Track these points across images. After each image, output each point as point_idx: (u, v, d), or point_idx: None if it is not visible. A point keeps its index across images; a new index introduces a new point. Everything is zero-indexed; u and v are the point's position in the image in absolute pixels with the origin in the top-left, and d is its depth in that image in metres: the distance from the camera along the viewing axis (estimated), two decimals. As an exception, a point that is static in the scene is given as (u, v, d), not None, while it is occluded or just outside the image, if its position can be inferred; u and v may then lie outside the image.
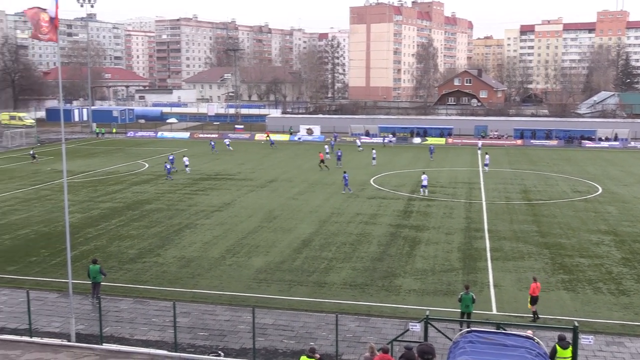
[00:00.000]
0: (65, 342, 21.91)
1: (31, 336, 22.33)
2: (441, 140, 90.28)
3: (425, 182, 49.63)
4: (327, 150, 71.16)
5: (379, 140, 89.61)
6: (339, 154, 66.44)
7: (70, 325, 22.27)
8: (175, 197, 48.46)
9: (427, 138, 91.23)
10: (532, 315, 23.90)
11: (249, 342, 21.54)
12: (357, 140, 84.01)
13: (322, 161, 63.46)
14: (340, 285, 27.89)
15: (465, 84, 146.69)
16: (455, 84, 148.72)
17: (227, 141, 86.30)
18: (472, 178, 57.79)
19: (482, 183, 54.95)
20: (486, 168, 61.72)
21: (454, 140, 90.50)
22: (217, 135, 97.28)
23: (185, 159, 63.54)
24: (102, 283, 26.36)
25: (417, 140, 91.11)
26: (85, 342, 21.96)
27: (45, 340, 22.13)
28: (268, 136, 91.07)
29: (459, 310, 23.13)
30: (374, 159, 66.94)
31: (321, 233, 37.04)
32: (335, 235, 36.46)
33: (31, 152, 70.85)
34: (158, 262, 31.40)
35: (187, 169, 61.28)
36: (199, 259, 31.91)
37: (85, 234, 36.97)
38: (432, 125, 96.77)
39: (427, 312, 20.09)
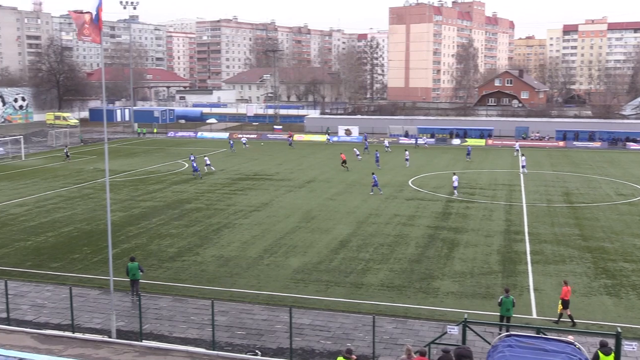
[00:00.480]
0: (106, 338, 22.31)
1: (73, 332, 22.80)
2: (481, 142, 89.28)
3: (455, 184, 49.49)
4: (357, 152, 71.16)
5: (412, 141, 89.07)
6: (377, 155, 66.26)
7: (111, 322, 22.66)
8: (214, 196, 48.93)
9: (466, 139, 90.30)
10: (569, 320, 23.50)
11: (286, 341, 21.63)
12: (385, 141, 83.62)
13: (344, 162, 63.79)
14: (378, 286, 27.79)
15: (506, 85, 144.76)
16: (496, 84, 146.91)
17: (244, 139, 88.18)
18: (512, 180, 57.00)
19: (522, 185, 54.15)
20: (524, 170, 60.82)
21: (494, 142, 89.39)
22: (242, 136, 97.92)
23: (206, 158, 64.31)
24: (141, 280, 26.80)
25: (456, 141, 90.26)
26: (125, 339, 22.32)
27: (87, 336, 22.57)
28: (291, 136, 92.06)
29: (498, 313, 22.81)
30: (406, 160, 66.48)
31: (359, 234, 36.98)
32: (373, 237, 36.35)
33: (65, 151, 72.79)
34: (197, 260, 31.74)
35: (211, 168, 62.09)
36: (237, 258, 32.15)
37: (126, 232, 37.59)
38: (472, 127, 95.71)
39: (466, 315, 19.88)
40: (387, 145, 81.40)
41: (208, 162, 63.08)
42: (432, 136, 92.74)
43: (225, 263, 31.31)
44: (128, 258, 28.39)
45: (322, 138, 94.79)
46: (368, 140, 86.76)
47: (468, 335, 19.10)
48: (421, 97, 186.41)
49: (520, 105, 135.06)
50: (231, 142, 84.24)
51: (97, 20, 21.31)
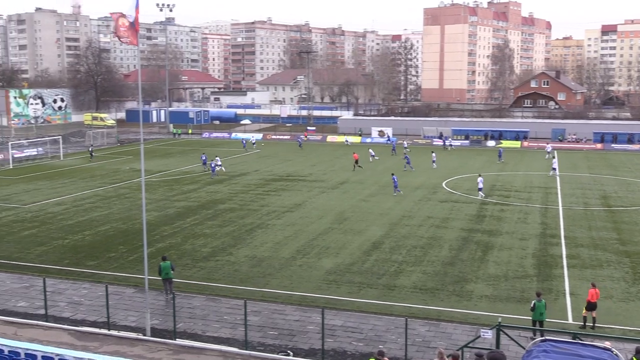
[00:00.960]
0: (141, 336, 22.59)
1: (109, 329, 23.16)
2: (516, 144, 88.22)
3: (480, 185, 49.38)
4: (373, 153, 71.19)
5: (440, 143, 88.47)
6: (407, 157, 65.84)
7: (145, 320, 22.95)
8: (247, 197, 49.24)
9: (501, 141, 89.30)
10: (590, 323, 23.11)
11: (318, 342, 21.64)
12: (405, 142, 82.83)
13: (357, 161, 64.14)
14: (410, 288, 27.65)
15: (543, 86, 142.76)
16: (532, 85, 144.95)
17: (253, 138, 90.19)
18: (548, 183, 56.18)
19: (558, 188, 53.35)
20: (554, 172, 59.97)
21: (530, 144, 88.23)
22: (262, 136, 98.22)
23: (217, 159, 64.68)
24: (175, 280, 27.09)
25: (491, 143, 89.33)
26: (159, 337, 22.58)
27: (122, 333, 22.89)
28: (306, 137, 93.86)
29: (532, 318, 22.48)
30: (433, 162, 65.87)
31: (392, 236, 36.84)
32: (406, 239, 36.18)
33: (90, 150, 74.13)
34: (230, 260, 31.97)
35: (222, 168, 62.75)
36: (270, 258, 32.29)
37: (161, 231, 38.04)
38: (507, 128, 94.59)
39: (500, 319, 19.67)
40: (406, 145, 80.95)
41: (219, 162, 63.61)
42: (467, 138, 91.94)
43: (258, 263, 31.47)
44: (160, 257, 28.75)
45: (357, 139, 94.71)
46: (396, 142, 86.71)
47: (502, 340, 18.88)
48: (455, 98, 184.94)
49: (556, 106, 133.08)
50: (244, 141, 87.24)
51: (133, 22, 21.62)
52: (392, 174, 52.60)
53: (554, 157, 63.47)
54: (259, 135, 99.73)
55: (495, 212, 43.57)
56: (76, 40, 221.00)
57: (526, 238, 36.32)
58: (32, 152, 75.72)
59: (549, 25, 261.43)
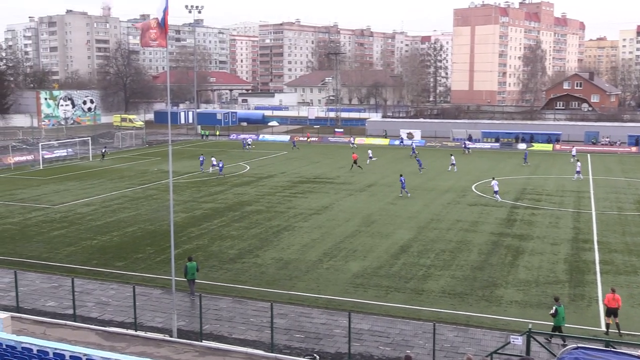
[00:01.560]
0: (167, 337, 22.78)
1: (136, 330, 23.39)
2: (548, 147, 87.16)
3: (496, 188, 49.18)
4: (371, 155, 71.24)
5: (462, 145, 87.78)
6: (419, 160, 65.46)
7: (172, 321, 23.13)
8: (274, 199, 49.39)
9: (532, 144, 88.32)
10: (614, 330, 22.72)
11: (345, 346, 21.61)
12: (413, 144, 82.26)
13: (355, 162, 64.96)
14: (439, 293, 27.47)
15: (576, 88, 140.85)
16: (565, 87, 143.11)
17: (249, 139, 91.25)
18: (580, 186, 55.41)
19: (591, 192, 52.58)
20: (578, 176, 59.26)
21: (562, 147, 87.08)
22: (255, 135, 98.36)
23: (213, 159, 65.89)
24: (202, 281, 27.29)
25: (522, 146, 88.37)
26: (185, 338, 22.76)
27: (149, 334, 23.11)
28: (308, 138, 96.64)
29: (567, 325, 22.16)
30: (452, 164, 65.26)
31: (420, 239, 36.65)
32: (434, 242, 35.96)
33: (103, 151, 74.93)
34: (257, 263, 32.09)
35: (211, 168, 63.97)
36: (296, 261, 32.34)
37: (188, 233, 38.34)
38: (539, 131, 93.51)
39: (530, 325, 19.45)
40: (414, 147, 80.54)
41: (214, 162, 64.73)
42: (497, 140, 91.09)
43: (284, 266, 31.54)
44: (186, 258, 28.99)
45: (385, 141, 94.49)
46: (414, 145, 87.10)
47: (532, 346, 18.65)
48: (486, 100, 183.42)
49: (590, 109, 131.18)
50: (246, 141, 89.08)
51: (163, 24, 21.83)
52: (400, 175, 52.81)
53: (577, 161, 62.54)
54: (280, 137, 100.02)
55: (526, 216, 43.10)
56: (106, 42, 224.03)
57: (558, 243, 35.85)
58: (61, 153, 76.94)
59: (582, 26, 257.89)
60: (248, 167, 67.71)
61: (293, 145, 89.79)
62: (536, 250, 34.41)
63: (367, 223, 40.85)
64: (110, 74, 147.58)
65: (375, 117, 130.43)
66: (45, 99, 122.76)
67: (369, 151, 73.20)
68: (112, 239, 37.13)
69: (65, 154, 77.02)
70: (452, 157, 66.73)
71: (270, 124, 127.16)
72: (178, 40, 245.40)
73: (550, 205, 46.73)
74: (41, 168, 67.26)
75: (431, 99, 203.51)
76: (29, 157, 72.35)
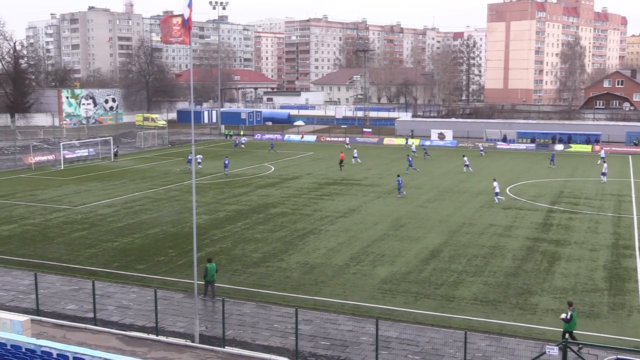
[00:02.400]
0: (189, 343, 22.96)
1: (157, 335, 23.60)
2: (587, 148, 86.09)
3: (497, 190, 49.51)
4: (356, 155, 71.69)
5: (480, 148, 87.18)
6: (410, 159, 66.71)
7: (194, 326, 23.30)
8: (300, 201, 49.50)
9: (570, 145, 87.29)
10: None
11: (372, 354, 21.57)
12: (413, 145, 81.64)
13: (342, 161, 66.70)
14: (470, 300, 27.29)
15: (617, 86, 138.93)
16: (605, 85, 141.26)
17: (243, 139, 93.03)
18: (622, 190, 54.64)
19: (633, 195, 51.82)
20: (603, 178, 58.45)
21: (602, 148, 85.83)
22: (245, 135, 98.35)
23: (199, 157, 68.10)
24: (225, 285, 27.45)
25: (559, 147, 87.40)
26: (208, 344, 22.91)
27: (170, 339, 23.31)
28: (302, 137, 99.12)
29: (600, 334, 21.97)
30: (466, 165, 64.75)
31: (451, 244, 36.45)
32: (466, 247, 35.74)
33: (115, 150, 75.73)
34: (281, 267, 32.18)
35: (199, 166, 66.01)
36: (322, 265, 32.37)
37: (211, 235, 38.60)
38: (577, 131, 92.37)
39: (567, 335, 19.21)
40: (414, 149, 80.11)
41: (199, 160, 67.29)
42: (533, 141, 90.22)
43: (310, 270, 31.59)
44: (206, 259, 29.21)
45: (415, 141, 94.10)
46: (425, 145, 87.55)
47: (568, 357, 18.43)
48: (521, 99, 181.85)
49: (632, 108, 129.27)
50: (237, 141, 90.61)
51: (187, 21, 22.02)
52: (398, 176, 53.46)
53: (605, 162, 61.64)
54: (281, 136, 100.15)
55: (563, 220, 42.63)
56: (128, 39, 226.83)
57: (597, 249, 35.40)
58: (83, 152, 77.97)
59: (624, 21, 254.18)
60: (273, 168, 67.96)
61: (271, 146, 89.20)
62: (574, 256, 34.00)
63: (396, 226, 40.73)
64: (132, 72, 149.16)
65: (405, 116, 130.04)
66: (67, 97, 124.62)
67: (355, 151, 74.10)
68: (133, 241, 37.53)
69: (87, 154, 78.03)
70: (465, 158, 66.32)
71: (296, 123, 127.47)
72: (202, 37, 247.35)
73: (589, 209, 46.15)
74: (62, 168, 68.23)
75: (464, 97, 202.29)
76: (50, 157, 73.43)
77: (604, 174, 59.07)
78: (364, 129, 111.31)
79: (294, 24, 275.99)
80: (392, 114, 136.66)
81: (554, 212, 45.50)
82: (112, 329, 24.30)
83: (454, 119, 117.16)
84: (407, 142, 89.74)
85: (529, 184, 57.53)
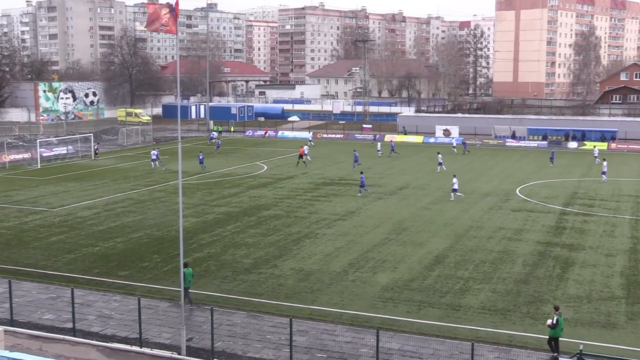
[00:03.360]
0: (176, 355, 22.93)
1: (141, 346, 23.57)
2: (602, 145, 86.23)
3: (455, 186, 50.48)
4: (306, 152, 72.02)
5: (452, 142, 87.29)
6: (356, 154, 67.78)
7: (181, 337, 23.27)
8: (294, 203, 49.48)
9: (584, 142, 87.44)
10: None
11: (372, 368, 21.55)
12: (378, 144, 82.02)
13: (301, 156, 68.58)
14: (478, 309, 27.31)
15: (635, 79, 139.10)
16: (622, 79, 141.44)
17: (214, 133, 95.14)
18: (640, 190, 54.81)
19: (652, 197, 51.93)
20: (604, 177, 58.90)
21: (619, 146, 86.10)
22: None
23: (153, 152, 68.71)
24: (214, 294, 27.42)
25: (572, 144, 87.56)
26: (195, 356, 22.87)
27: (155, 351, 23.27)
28: (266, 133, 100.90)
29: (617, 345, 21.96)
30: (440, 164, 64.96)
31: (457, 249, 36.47)
32: (473, 252, 35.76)
33: (95, 148, 75.57)
34: (275, 273, 32.16)
35: (155, 163, 66.98)
36: (318, 272, 32.36)
37: (199, 239, 38.55)
38: (592, 128, 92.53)
39: (581, 347, 19.28)
40: (379, 148, 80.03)
41: (154, 156, 67.79)
42: (544, 138, 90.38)
43: (305, 277, 31.57)
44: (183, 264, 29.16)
45: (419, 139, 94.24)
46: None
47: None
48: (532, 93, 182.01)
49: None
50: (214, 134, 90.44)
51: (173, 8, 21.97)
52: (361, 172, 54.48)
53: (604, 160, 61.75)
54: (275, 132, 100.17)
55: (577, 223, 42.68)
56: (110, 28, 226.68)
57: (613, 254, 35.46)
58: (61, 150, 77.86)
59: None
60: (265, 167, 67.94)
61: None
62: (588, 261, 34.05)
63: (398, 230, 40.74)
64: (114, 64, 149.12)
65: (407, 111, 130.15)
66: (44, 91, 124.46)
67: (305, 147, 74.11)
68: (115, 245, 37.46)
69: (65, 152, 77.90)
70: (440, 156, 66.30)
71: (290, 119, 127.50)
72: (189, 26, 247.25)
73: (605, 212, 46.22)
74: (39, 167, 68.12)
75: (470, 91, 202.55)
76: (26, 155, 73.31)
77: (603, 173, 59.35)
78: (364, 125, 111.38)
79: (288, 12, 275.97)
80: (394, 109, 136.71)
81: (567, 214, 45.55)
82: (92, 340, 24.25)
83: (460, 115, 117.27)
84: (375, 139, 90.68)
85: (540, 184, 57.61)
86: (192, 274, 27.90)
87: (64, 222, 43.08)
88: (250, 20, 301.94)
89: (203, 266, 33.14)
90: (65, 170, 66.16)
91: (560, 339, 22.74)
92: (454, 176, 52.94)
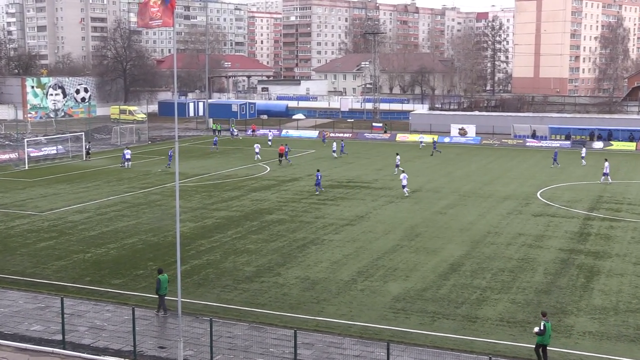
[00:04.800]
0: (172, 370, 22.96)
1: (135, 359, 23.62)
2: (630, 145, 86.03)
3: (404, 182, 52.71)
4: (257, 151, 74.01)
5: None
6: (286, 149, 71.19)
7: (177, 350, 23.31)
8: (300, 206, 49.53)
9: (611, 142, 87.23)
10: None
11: (382, 383, 21.57)
12: (269, 134, 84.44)
13: (281, 155, 70.91)
14: (496, 321, 27.29)
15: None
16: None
17: (234, 130, 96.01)
18: (670, 194, 54.64)
19: (684, 201, 51.79)
20: (604, 178, 59.20)
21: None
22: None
23: (125, 152, 69.56)
24: (213, 304, 27.45)
25: (598, 144, 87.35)
26: (193, 371, 22.91)
27: (150, 365, 23.30)
28: (254, 131, 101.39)
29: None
30: (397, 166, 64.72)
31: (473, 256, 36.45)
32: (491, 260, 35.74)
33: (87, 147, 75.59)
34: (278, 282, 32.19)
35: (126, 163, 68.43)
36: (325, 281, 32.38)
37: (197, 246, 38.62)
38: (619, 127, 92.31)
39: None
40: (270, 139, 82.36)
41: (127, 156, 68.80)
42: (567, 138, 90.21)
43: (311, 286, 31.60)
44: (156, 269, 29.36)
45: (432, 138, 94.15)
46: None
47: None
48: (554, 89, 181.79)
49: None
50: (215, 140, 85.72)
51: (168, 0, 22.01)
52: (317, 170, 56.60)
53: (605, 160, 61.58)
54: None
55: (602, 229, 42.61)
56: (103, 20, 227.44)
57: (642, 262, 35.43)
58: (50, 150, 78.09)
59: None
60: (268, 169, 68.02)
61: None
62: (615, 270, 33.99)
63: (411, 236, 40.74)
64: (107, 58, 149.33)
65: (420, 109, 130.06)
66: (32, 87, 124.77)
67: (256, 145, 75.72)
68: (108, 252, 37.55)
69: (55, 152, 78.12)
70: (398, 157, 66.23)
71: (295, 117, 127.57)
72: (187, 18, 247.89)
73: (633, 217, 46.13)
74: (26, 168, 68.31)
75: (488, 88, 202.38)
76: (12, 155, 73.52)
77: (605, 174, 59.42)
78: (374, 124, 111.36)
79: (293, 3, 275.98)
80: (406, 106, 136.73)
81: (592, 219, 45.47)
82: (83, 353, 24.31)
83: (477, 113, 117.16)
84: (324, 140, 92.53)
85: (563, 187, 57.51)
86: (168, 280, 28.09)
87: (53, 227, 43.20)
88: (253, 11, 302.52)
89: (202, 274, 33.21)
90: (55, 172, 66.33)
91: (540, 345, 23.21)
92: (403, 171, 55.56)
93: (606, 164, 60.50)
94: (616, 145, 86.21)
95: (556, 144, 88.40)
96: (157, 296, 28.17)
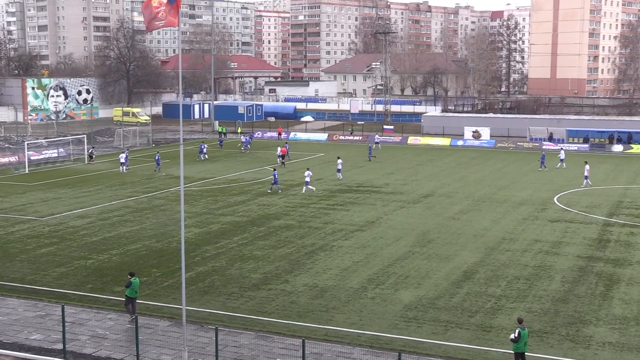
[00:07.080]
0: (176, 380, 22.96)
1: (138, 370, 23.62)
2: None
3: (307, 179, 56.16)
4: (217, 144, 76.62)
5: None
6: (247, 140, 74.70)
7: (182, 360, 23.33)
8: (308, 212, 49.53)
9: (631, 145, 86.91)
10: None
11: (393, 395, 21.52)
12: (243, 137, 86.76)
13: (283, 157, 72.61)
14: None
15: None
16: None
17: (247, 139, 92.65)
18: (693, 199, 54.40)
19: None
20: (587, 182, 59.45)
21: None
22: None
23: (121, 155, 69.94)
24: (219, 312, 27.44)
25: (617, 147, 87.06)
26: (198, 381, 22.91)
27: (154, 375, 23.32)
28: (280, 134, 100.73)
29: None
30: (338, 171, 64.71)
31: (488, 263, 36.37)
32: (506, 267, 35.65)
33: (90, 151, 75.67)
34: (286, 290, 32.18)
35: (122, 167, 68.65)
36: (334, 288, 32.35)
37: (203, 252, 38.65)
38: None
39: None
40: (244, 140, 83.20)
41: (122, 159, 68.97)
42: (586, 141, 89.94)
43: (320, 294, 31.58)
44: (128, 273, 29.43)
45: (445, 141, 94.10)
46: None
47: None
48: (572, 91, 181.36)
49: None
50: (203, 147, 79.72)
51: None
52: (274, 169, 59.55)
53: (585, 163, 61.43)
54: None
55: (622, 235, 42.46)
56: (106, 19, 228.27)
57: (663, 270, 35.27)
58: (51, 153, 78.27)
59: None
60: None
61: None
62: (636, 278, 33.87)
63: (423, 242, 40.69)
64: (110, 58, 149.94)
65: (433, 111, 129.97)
66: (33, 88, 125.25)
67: (286, 146, 76.15)
68: (110, 258, 37.62)
69: (56, 155, 78.33)
70: (340, 161, 66.03)
71: (303, 119, 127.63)
72: (192, 17, 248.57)
73: (654, 223, 45.99)
74: (27, 172, 68.50)
75: (503, 89, 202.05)
76: (12, 159, 73.79)
77: (586, 177, 59.71)
78: (385, 126, 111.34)
79: (301, 2, 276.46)
80: (418, 108, 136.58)
81: (612, 225, 45.31)
82: (84, 362, 24.34)
83: (491, 115, 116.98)
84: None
85: (581, 192, 57.34)
86: (139, 284, 28.30)
87: (54, 233, 43.32)
88: (260, 10, 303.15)
89: (207, 281, 33.23)
90: (56, 175, 66.50)
91: (517, 353, 23.31)
92: (307, 168, 59.04)
93: (587, 167, 60.51)
94: (636, 148, 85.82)
95: (574, 147, 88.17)
96: (124, 298, 28.41)
